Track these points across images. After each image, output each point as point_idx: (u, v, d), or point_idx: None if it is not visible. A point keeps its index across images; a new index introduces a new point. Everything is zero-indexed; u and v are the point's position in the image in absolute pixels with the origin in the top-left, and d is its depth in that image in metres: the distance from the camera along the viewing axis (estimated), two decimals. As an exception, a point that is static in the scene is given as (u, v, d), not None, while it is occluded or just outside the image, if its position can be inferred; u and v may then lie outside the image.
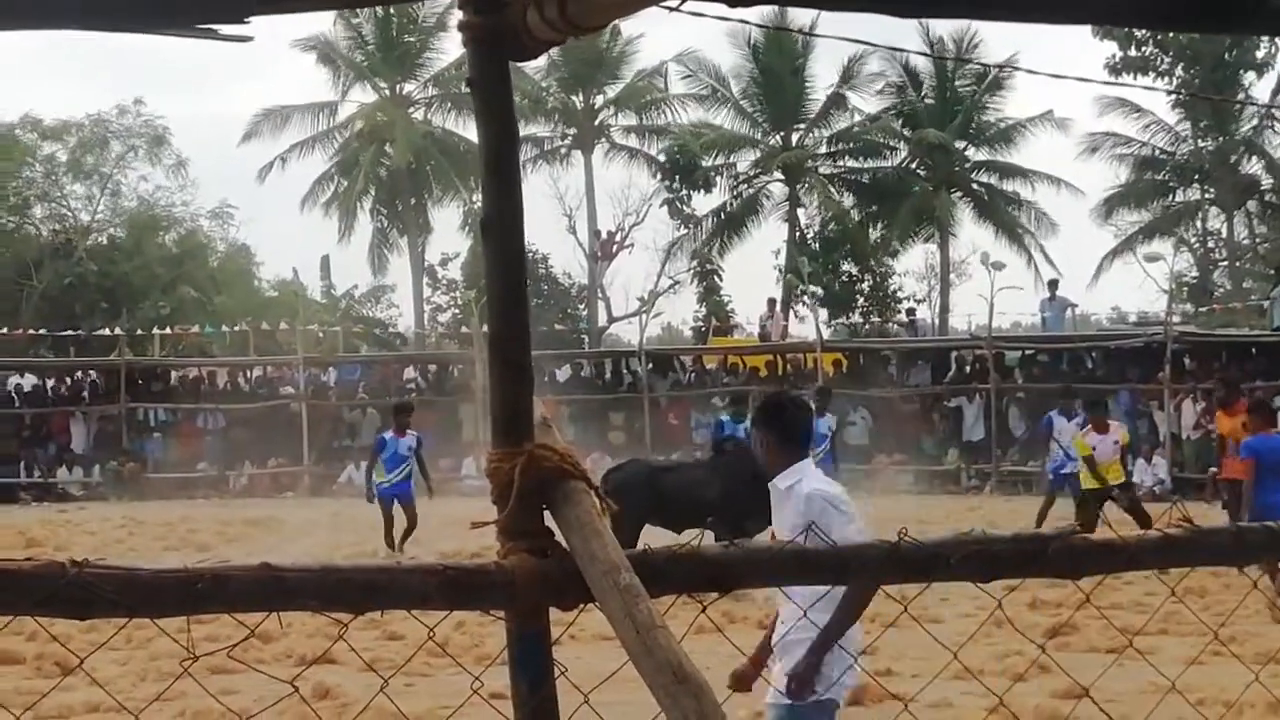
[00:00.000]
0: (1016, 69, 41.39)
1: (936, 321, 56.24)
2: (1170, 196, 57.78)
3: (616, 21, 3.21)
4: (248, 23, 3.40)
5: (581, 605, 3.48)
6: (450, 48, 60.72)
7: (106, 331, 49.96)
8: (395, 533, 23.54)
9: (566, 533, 3.46)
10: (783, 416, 7.24)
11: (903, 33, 50.71)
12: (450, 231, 63.46)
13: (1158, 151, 57.09)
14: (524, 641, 3.51)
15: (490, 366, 3.61)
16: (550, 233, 61.46)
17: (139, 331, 50.26)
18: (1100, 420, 21.44)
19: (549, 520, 3.54)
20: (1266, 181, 56.52)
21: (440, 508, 23.55)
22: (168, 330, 51.93)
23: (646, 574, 3.35)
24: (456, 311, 59.85)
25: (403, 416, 24.09)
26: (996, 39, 58.01)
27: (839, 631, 6.32)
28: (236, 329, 51.44)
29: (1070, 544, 3.58)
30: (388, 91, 62.17)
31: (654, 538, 18.11)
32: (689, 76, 60.81)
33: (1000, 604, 3.88)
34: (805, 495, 6.88)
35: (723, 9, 3.47)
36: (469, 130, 59.82)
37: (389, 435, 23.85)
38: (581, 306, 63.53)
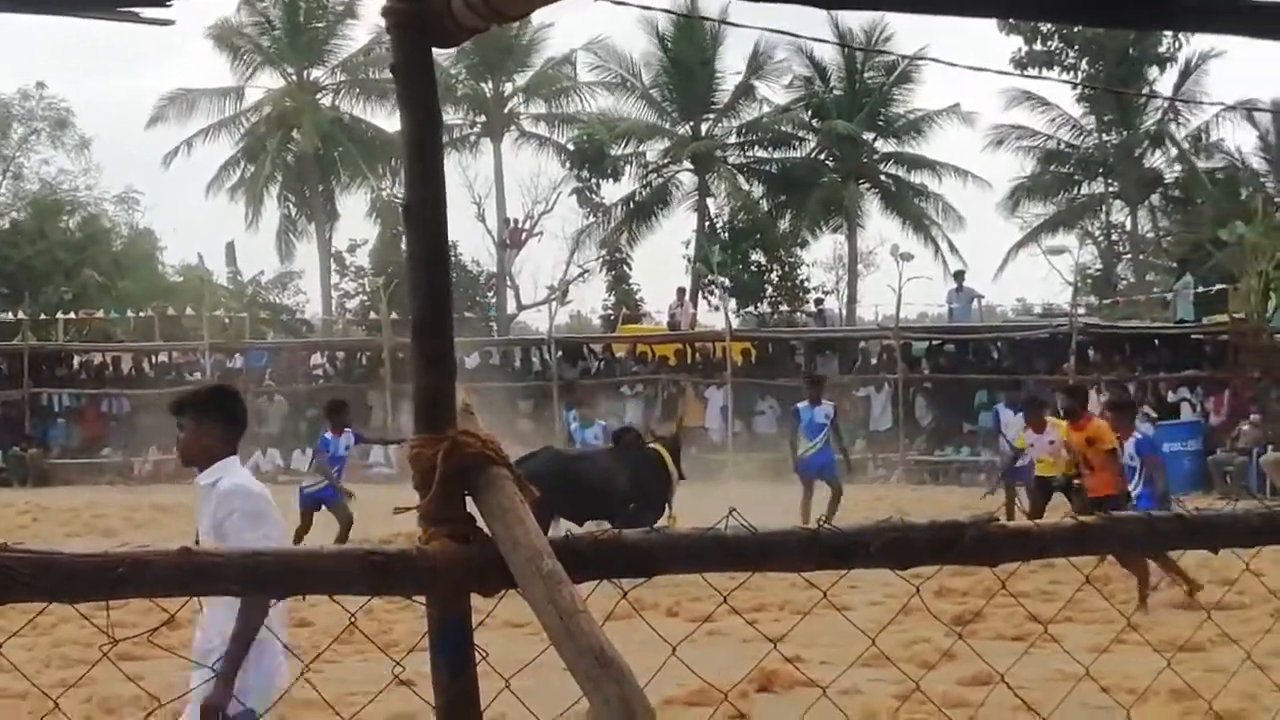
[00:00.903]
0: (928, 59, 41.95)
1: (844, 312, 56.60)
2: (1075, 189, 58.41)
3: (540, 9, 3.21)
4: (169, 5, 3.37)
5: (503, 591, 3.48)
6: (358, 34, 60.57)
7: (10, 316, 49.32)
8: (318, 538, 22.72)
9: (489, 519, 3.46)
10: (222, 408, 7.01)
11: (813, 25, 50.85)
12: (358, 218, 63.23)
13: (1063, 145, 57.70)
14: (445, 627, 3.50)
15: (413, 352, 3.60)
16: (459, 220, 61.04)
17: (42, 316, 49.72)
18: (1038, 419, 21.25)
19: (471, 507, 3.54)
20: (1170, 175, 57.17)
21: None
22: (72, 315, 51.39)
23: (569, 560, 3.35)
24: (364, 298, 59.58)
25: (338, 415, 22.95)
26: (905, 32, 58.31)
27: (243, 644, 6.10)
28: (142, 314, 50.97)
29: (986, 531, 3.62)
30: (295, 77, 61.74)
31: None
32: (599, 65, 60.88)
33: (918, 590, 3.92)
34: (224, 492, 6.68)
35: (644, -2, 3.48)
36: (377, 117, 59.75)
37: (329, 435, 22.66)
38: (490, 294, 63.40)
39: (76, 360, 47.11)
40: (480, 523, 3.50)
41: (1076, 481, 19.53)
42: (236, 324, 51.91)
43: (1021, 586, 15.72)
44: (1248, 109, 49.70)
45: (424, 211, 3.58)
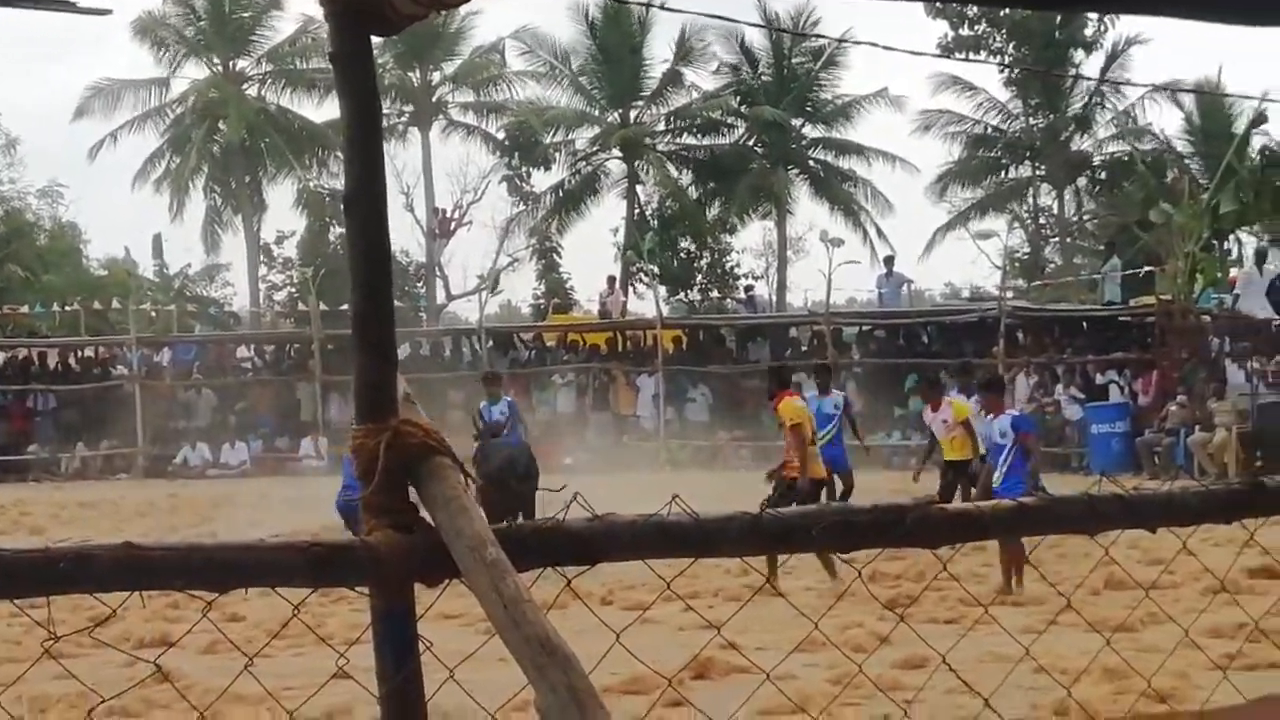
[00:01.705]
0: (855, 43, 42.12)
1: (774, 298, 56.70)
2: (1002, 173, 58.78)
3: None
4: (104, -5, 3.35)
5: (446, 581, 3.48)
6: (284, 25, 60.18)
7: (-70, 312, 48.81)
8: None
9: (432, 508, 3.45)
10: None
11: (740, 9, 50.90)
12: (285, 209, 62.89)
13: (990, 129, 58.02)
14: (388, 618, 3.49)
15: (354, 343, 3.59)
16: (388, 211, 60.92)
17: (-36, 312, 49.22)
18: (934, 398, 21.24)
19: (414, 496, 3.53)
20: (1097, 158, 57.58)
21: (279, 489, 23.36)
22: (-5, 311, 50.90)
23: (512, 548, 3.35)
24: (293, 290, 59.21)
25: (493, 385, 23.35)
26: (832, 16, 58.41)
27: None
28: (67, 308, 50.52)
29: (927, 514, 3.64)
30: (221, 68, 61.29)
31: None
32: (527, 53, 60.82)
33: (860, 575, 3.94)
34: None
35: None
36: (304, 107, 59.40)
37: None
38: (420, 284, 63.22)
39: (1, 356, 46.64)
40: (423, 512, 3.50)
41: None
42: (163, 318, 51.48)
43: (953, 569, 15.81)
44: (1171, 89, 50.06)
45: (364, 202, 3.57)
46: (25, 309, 51.29)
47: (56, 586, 3.18)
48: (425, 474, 3.48)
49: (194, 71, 61.68)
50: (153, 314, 51.17)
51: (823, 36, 52.83)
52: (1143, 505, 3.79)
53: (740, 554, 3.69)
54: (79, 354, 46.92)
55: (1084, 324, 39.21)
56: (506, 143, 60.64)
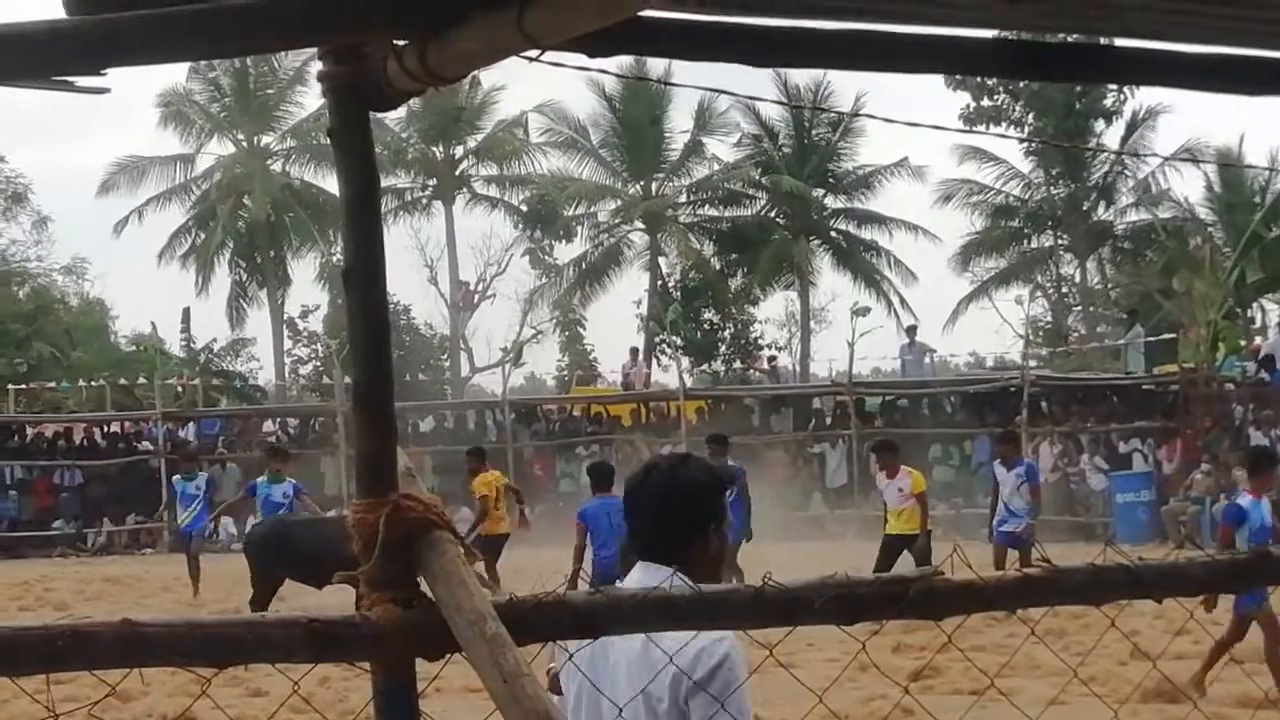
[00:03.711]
0: (875, 117, 42.41)
1: (798, 368, 56.62)
2: (1025, 242, 58.73)
3: (477, 72, 3.23)
4: (104, 74, 3.37)
5: (447, 656, 3.47)
6: (308, 100, 60.49)
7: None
8: None
9: (432, 583, 3.45)
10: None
11: (759, 83, 51.12)
12: (309, 283, 63.06)
13: (1011, 199, 58.04)
14: (389, 694, 3.49)
15: (354, 417, 3.60)
16: (412, 283, 61.13)
17: (-8, 388, 49.38)
18: (890, 463, 20.95)
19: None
20: (1119, 227, 57.60)
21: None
22: (23, 386, 51.04)
23: (513, 622, 3.35)
24: (318, 364, 59.35)
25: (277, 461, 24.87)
26: (850, 87, 58.73)
27: None
28: (93, 384, 50.72)
29: (931, 585, 3.62)
30: (245, 144, 61.67)
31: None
32: (549, 128, 61.10)
33: (864, 646, 3.92)
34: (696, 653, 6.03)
35: (582, 59, 3.49)
36: (327, 182, 59.56)
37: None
38: (444, 357, 63.37)
39: (29, 432, 46.79)
40: (424, 587, 3.49)
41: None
42: (189, 392, 51.62)
43: (977, 641, 15.73)
44: (1189, 160, 50.13)
45: (364, 274, 3.58)
46: (52, 385, 51.53)
47: (55, 664, 3.17)
48: (425, 548, 3.48)
49: (219, 148, 62.18)
50: (179, 389, 51.31)
51: (845, 112, 52.82)
52: (1147, 575, 3.77)
53: (742, 626, 3.67)
54: (105, 429, 47.03)
55: (1107, 392, 39.10)
56: (529, 215, 60.91)
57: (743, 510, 21.94)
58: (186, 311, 62.56)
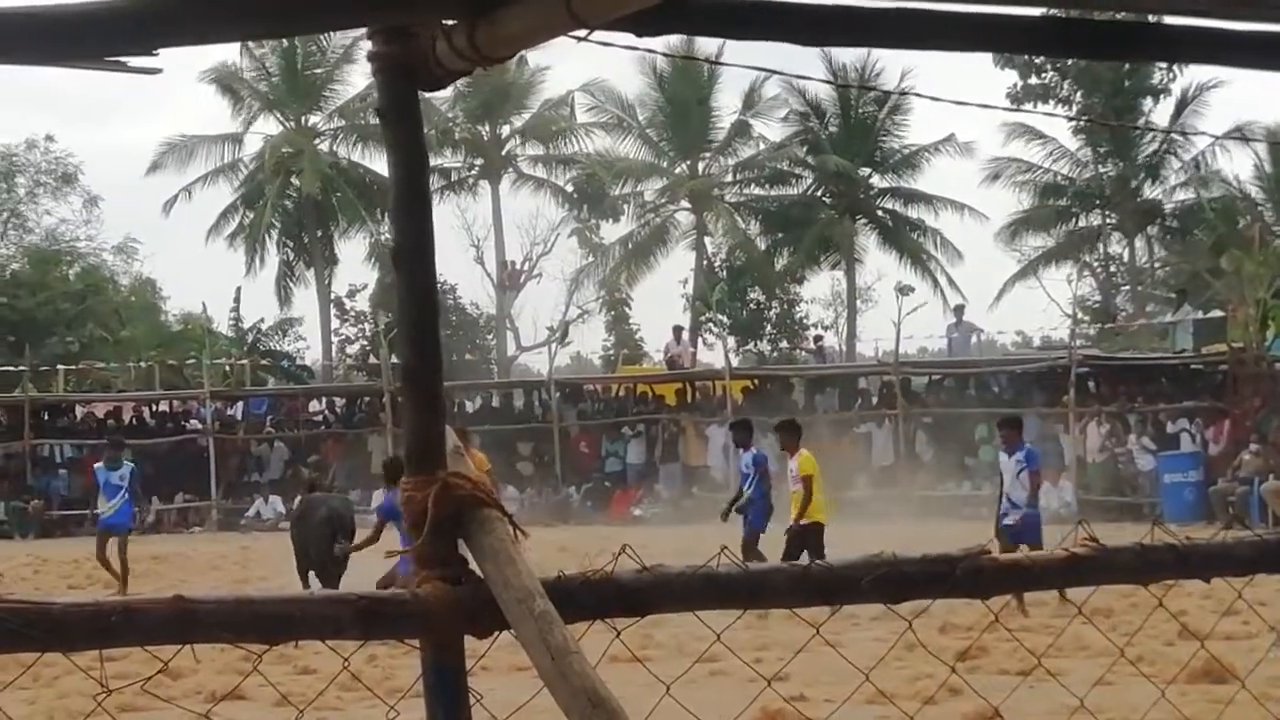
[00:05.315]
0: (923, 95, 41.99)
1: (844, 348, 56.48)
2: (1073, 221, 58.39)
3: (524, 52, 3.23)
4: (156, 54, 3.39)
5: (496, 633, 3.48)
6: (356, 79, 60.56)
7: (10, 368, 49.21)
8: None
9: (480, 560, 3.46)
10: None
11: (806, 61, 50.94)
12: (357, 263, 63.25)
13: (1059, 177, 57.68)
14: (439, 670, 3.51)
15: (403, 396, 3.62)
16: (458, 263, 61.21)
17: (43, 368, 49.60)
18: (789, 443, 21.08)
19: (463, 548, 3.54)
20: (1168, 205, 57.23)
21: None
22: (73, 366, 51.31)
23: (560, 600, 3.36)
24: (365, 343, 59.47)
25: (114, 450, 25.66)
26: (897, 64, 58.43)
27: None
28: (142, 363, 50.95)
29: (978, 564, 3.62)
30: (293, 123, 61.76)
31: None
32: (596, 106, 61.04)
33: (911, 625, 3.92)
34: None
35: (630, 38, 3.50)
36: (375, 162, 59.64)
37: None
38: (490, 337, 63.45)
39: (78, 411, 47.05)
40: (472, 564, 3.51)
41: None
42: (237, 372, 51.81)
43: (1023, 620, 15.70)
44: (1237, 138, 49.75)
45: (412, 254, 3.60)
46: (101, 365, 51.77)
47: (107, 639, 3.20)
48: (474, 526, 3.50)
49: (267, 127, 62.31)
50: (227, 368, 51.51)
51: (892, 91, 52.69)
52: (1194, 555, 3.76)
53: (789, 605, 3.68)
54: (154, 408, 47.27)
55: (1155, 372, 38.88)
56: (575, 195, 60.94)
57: (763, 496, 21.41)
58: (239, 291, 62.80)
